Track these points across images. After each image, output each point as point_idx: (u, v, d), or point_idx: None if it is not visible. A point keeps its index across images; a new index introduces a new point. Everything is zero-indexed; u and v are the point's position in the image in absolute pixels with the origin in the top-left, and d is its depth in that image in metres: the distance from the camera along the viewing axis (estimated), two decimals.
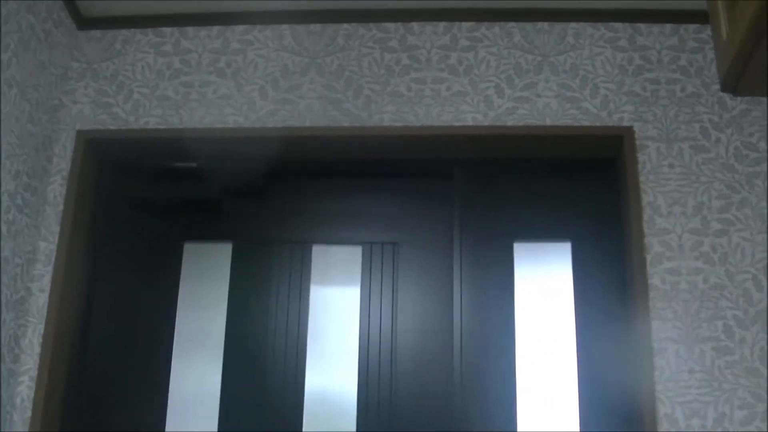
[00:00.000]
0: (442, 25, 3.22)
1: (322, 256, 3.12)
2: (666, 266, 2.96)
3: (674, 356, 2.86)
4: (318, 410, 2.94)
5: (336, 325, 3.04)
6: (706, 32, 3.22)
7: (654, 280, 2.94)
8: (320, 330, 3.03)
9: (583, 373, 2.98)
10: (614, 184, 3.18)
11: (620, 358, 3.00)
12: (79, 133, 3.13)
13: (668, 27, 3.23)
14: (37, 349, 2.92)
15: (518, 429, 2.93)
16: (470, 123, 3.11)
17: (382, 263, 3.10)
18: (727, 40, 2.27)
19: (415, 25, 3.22)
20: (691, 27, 3.22)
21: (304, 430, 2.92)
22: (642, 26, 3.23)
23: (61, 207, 3.06)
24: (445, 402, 2.94)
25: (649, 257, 2.97)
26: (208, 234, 3.14)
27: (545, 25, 3.23)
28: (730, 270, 2.95)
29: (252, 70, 3.15)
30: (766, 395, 2.82)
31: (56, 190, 3.08)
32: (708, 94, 3.15)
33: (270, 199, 3.14)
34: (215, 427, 2.94)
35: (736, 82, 2.31)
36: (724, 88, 2.34)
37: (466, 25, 3.22)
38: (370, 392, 2.96)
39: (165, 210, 3.15)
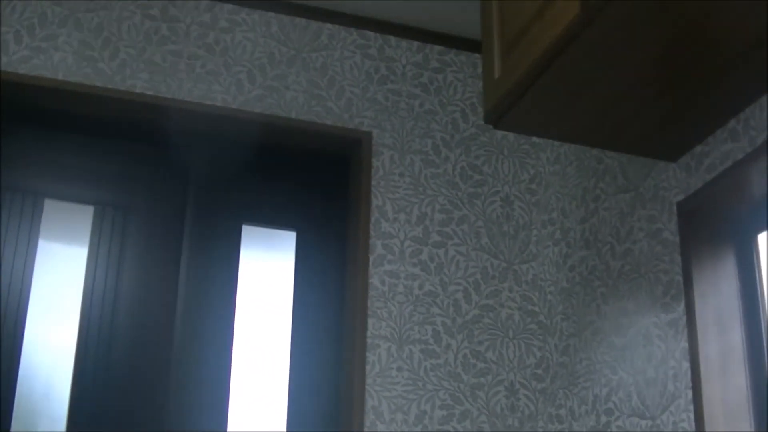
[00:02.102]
0: (204, 3, 3.24)
1: (54, 211, 3.06)
2: (386, 268, 3.13)
3: (385, 353, 3.03)
4: (34, 367, 2.89)
5: (61, 283, 2.99)
6: (449, 56, 3.42)
7: (374, 280, 3.10)
8: (44, 287, 2.97)
9: (295, 361, 3.09)
10: (346, 183, 3.31)
11: (334, 351, 3.13)
12: None
13: (415, 44, 3.41)
14: None
15: (229, 409, 2.99)
16: (219, 103, 3.15)
17: (112, 226, 3.08)
18: (498, 80, 2.47)
19: None
20: (437, 48, 3.42)
21: (18, 385, 2.86)
22: (392, 39, 3.39)
23: None
24: (161, 371, 2.97)
25: (372, 258, 3.13)
26: None
27: (303, 21, 3.33)
28: (444, 280, 3.16)
29: (9, 13, 3.05)
30: (464, 398, 3.04)
31: None
32: (443, 114, 3.35)
33: (7, 145, 3.05)
34: None
35: (499, 117, 2.51)
36: (488, 119, 2.54)
37: (227, 6, 3.26)
38: (88, 354, 2.93)
39: None
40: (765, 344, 2.45)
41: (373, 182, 3.21)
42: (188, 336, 3.02)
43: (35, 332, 2.92)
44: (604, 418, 2.82)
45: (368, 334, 3.05)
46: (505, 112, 2.49)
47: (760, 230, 2.51)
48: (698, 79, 2.32)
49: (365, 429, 2.93)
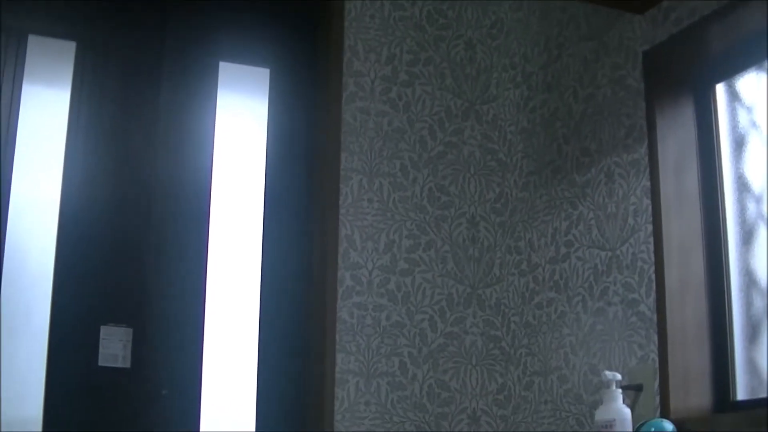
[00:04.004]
0: None
1: (37, 48, 3.12)
2: (358, 105, 3.31)
3: (357, 186, 3.24)
4: (22, 219, 2.99)
5: (46, 127, 3.07)
6: None
7: (346, 116, 3.29)
8: (29, 132, 3.05)
9: (270, 193, 3.28)
10: (319, 25, 3.45)
11: (306, 182, 3.33)
12: None
13: None
14: None
15: (209, 250, 3.19)
16: None
17: (94, 64, 3.16)
18: None
19: None
20: None
21: (6, 241, 2.98)
22: None
23: None
24: (143, 209, 3.11)
25: (344, 95, 3.31)
26: None
27: None
28: (411, 117, 3.37)
29: None
30: (429, 229, 3.28)
31: None
32: None
33: None
34: None
35: None
36: None
37: None
38: (71, 198, 3.04)
39: None
40: (718, 186, 2.71)
41: (346, 24, 3.37)
42: (169, 171, 3.17)
43: (22, 188, 3.02)
44: (563, 249, 3.08)
45: (341, 167, 3.25)
46: None
47: (718, 81, 2.75)
48: None
49: (339, 255, 3.16)
